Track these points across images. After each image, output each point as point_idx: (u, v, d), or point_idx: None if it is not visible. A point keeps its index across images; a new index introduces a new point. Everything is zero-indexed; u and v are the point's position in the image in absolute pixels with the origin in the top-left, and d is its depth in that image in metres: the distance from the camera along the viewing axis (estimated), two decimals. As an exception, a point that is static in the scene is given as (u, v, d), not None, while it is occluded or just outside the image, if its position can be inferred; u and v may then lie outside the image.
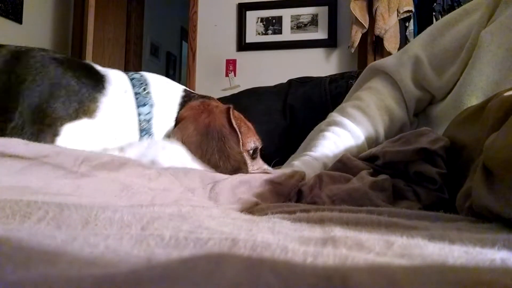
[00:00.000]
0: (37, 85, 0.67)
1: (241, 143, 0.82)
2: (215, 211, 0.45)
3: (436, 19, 2.76)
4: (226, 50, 3.38)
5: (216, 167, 0.76)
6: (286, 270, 0.16)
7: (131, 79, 0.80)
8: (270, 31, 3.33)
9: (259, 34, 3.35)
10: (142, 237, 0.26)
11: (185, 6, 3.58)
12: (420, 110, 1.05)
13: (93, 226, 0.29)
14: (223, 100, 1.54)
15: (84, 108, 0.70)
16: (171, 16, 5.24)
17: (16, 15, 3.00)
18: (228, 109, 0.84)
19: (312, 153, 0.94)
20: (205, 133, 0.78)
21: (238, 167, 0.78)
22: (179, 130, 0.77)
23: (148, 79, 0.82)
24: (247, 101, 1.40)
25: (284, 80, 1.47)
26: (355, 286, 0.15)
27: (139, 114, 0.77)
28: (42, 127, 0.66)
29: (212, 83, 3.26)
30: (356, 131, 0.97)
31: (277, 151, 1.16)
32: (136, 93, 0.78)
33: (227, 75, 3.31)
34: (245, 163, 0.81)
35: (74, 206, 0.32)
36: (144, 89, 0.79)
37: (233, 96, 1.53)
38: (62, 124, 0.67)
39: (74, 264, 0.19)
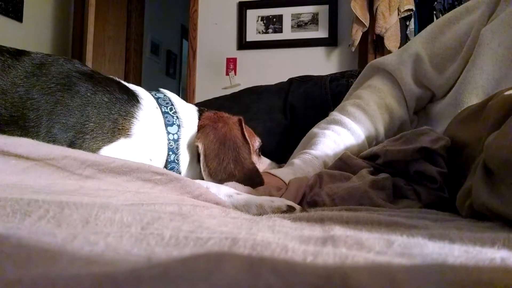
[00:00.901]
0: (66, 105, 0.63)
1: (252, 152, 0.84)
2: (216, 210, 0.45)
3: (437, 18, 2.76)
4: (226, 48, 3.38)
5: (232, 176, 0.77)
6: (286, 270, 0.16)
7: (157, 99, 0.79)
8: (270, 30, 3.33)
9: (259, 32, 3.35)
10: (142, 236, 0.26)
11: (185, 4, 3.58)
12: (420, 108, 1.06)
13: (93, 225, 0.29)
14: (224, 98, 1.54)
15: (119, 126, 0.68)
16: (172, 15, 5.24)
17: (16, 14, 3.00)
18: (240, 120, 0.87)
19: (312, 151, 0.94)
20: (223, 142, 0.80)
21: (251, 176, 0.80)
22: (202, 136, 0.78)
23: (171, 99, 0.82)
24: (248, 100, 1.40)
25: (285, 79, 1.47)
26: (355, 285, 0.15)
27: (168, 133, 0.77)
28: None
29: (213, 82, 3.26)
30: (356, 129, 0.97)
31: (277, 149, 1.16)
32: (164, 112, 0.78)
33: (227, 73, 3.30)
34: (257, 172, 0.82)
35: (75, 205, 0.32)
36: (171, 109, 0.79)
37: (234, 94, 1.53)
38: (99, 148, 0.65)
39: (74, 262, 0.19)
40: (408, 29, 2.89)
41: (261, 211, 0.59)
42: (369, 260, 0.22)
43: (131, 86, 0.77)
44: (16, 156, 0.42)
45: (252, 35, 3.35)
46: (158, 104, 0.78)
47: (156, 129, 0.75)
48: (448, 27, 0.99)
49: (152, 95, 0.80)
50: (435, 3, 2.80)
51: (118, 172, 0.49)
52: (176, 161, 0.78)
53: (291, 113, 1.32)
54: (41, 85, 0.63)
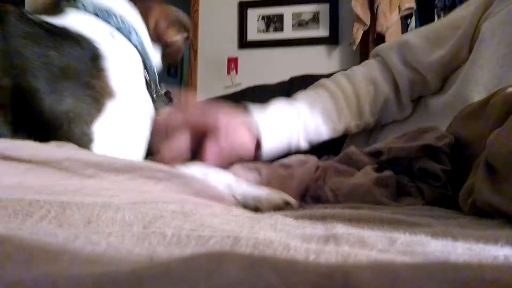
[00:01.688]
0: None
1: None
2: (218, 209, 0.45)
3: (438, 16, 2.76)
4: (227, 48, 3.38)
5: None
6: (287, 268, 0.16)
7: (96, 14, 0.68)
8: (271, 29, 3.33)
9: (260, 31, 3.35)
10: (144, 235, 0.26)
11: (186, 4, 3.58)
12: (417, 95, 1.07)
13: (95, 225, 0.30)
14: (225, 97, 1.54)
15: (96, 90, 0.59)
16: (173, 14, 5.24)
17: (17, 15, 3.01)
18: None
19: (290, 100, 0.99)
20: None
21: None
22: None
23: (101, 5, 0.70)
24: (249, 98, 1.40)
25: (286, 78, 1.47)
26: (357, 283, 0.15)
27: (136, 47, 0.71)
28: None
29: (214, 81, 3.26)
30: (336, 92, 1.03)
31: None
32: (118, 28, 0.69)
33: (228, 73, 3.30)
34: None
35: (76, 205, 0.32)
36: (115, 16, 0.70)
37: (235, 93, 1.53)
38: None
39: (75, 262, 0.19)
40: (409, 28, 2.89)
41: (257, 204, 0.58)
42: (371, 258, 0.22)
43: (63, 22, 0.62)
44: (18, 160, 0.42)
45: (253, 34, 3.35)
46: (105, 23, 0.68)
47: (128, 56, 0.69)
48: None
49: (88, 15, 0.67)
50: (436, 1, 2.79)
51: (121, 171, 0.49)
52: (148, 59, 0.75)
53: (292, 112, 1.32)
54: None
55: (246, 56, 3.33)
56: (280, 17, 3.29)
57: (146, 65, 0.74)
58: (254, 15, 3.34)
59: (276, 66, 3.17)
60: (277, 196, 0.60)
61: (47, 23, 0.61)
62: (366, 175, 0.71)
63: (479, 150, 0.56)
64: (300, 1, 3.25)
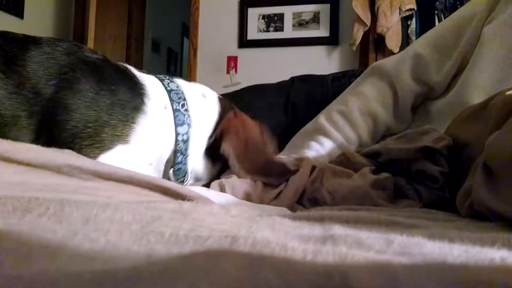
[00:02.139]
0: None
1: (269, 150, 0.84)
2: (216, 208, 0.45)
3: (438, 18, 2.76)
4: (227, 47, 3.37)
5: (267, 176, 0.77)
6: (286, 267, 0.16)
7: (169, 92, 0.73)
8: (271, 28, 3.32)
9: (260, 31, 3.34)
10: (142, 234, 0.27)
11: (186, 2, 3.57)
12: (419, 104, 1.06)
13: (93, 224, 0.30)
14: (225, 96, 1.54)
15: (117, 133, 0.63)
16: (173, 13, 5.23)
17: (17, 10, 3.00)
18: (260, 125, 0.86)
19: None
20: (245, 147, 0.77)
21: (283, 171, 0.78)
22: (227, 143, 0.76)
23: (184, 92, 0.75)
24: (249, 98, 1.40)
25: (285, 78, 1.46)
26: (355, 283, 0.15)
27: (177, 134, 0.71)
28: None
29: (213, 80, 3.26)
30: (338, 138, 1.03)
31: (278, 148, 1.16)
32: (175, 110, 0.71)
33: (228, 72, 3.30)
34: (287, 166, 0.80)
35: (75, 204, 0.32)
36: (183, 106, 0.73)
37: (235, 92, 1.52)
38: (95, 156, 0.60)
39: (74, 259, 0.19)
40: (409, 29, 2.88)
41: None
42: (369, 258, 0.22)
43: (142, 79, 0.70)
44: (17, 162, 0.42)
45: (253, 34, 3.35)
46: (170, 99, 0.72)
47: (162, 131, 0.70)
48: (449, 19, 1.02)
49: (164, 86, 0.73)
50: (437, 2, 2.79)
51: (119, 182, 0.49)
52: (184, 162, 0.74)
53: (292, 111, 1.32)
54: (46, 78, 0.58)
55: (246, 55, 3.33)
56: (280, 17, 3.29)
57: (176, 158, 0.73)
58: (254, 14, 3.34)
59: (276, 65, 3.16)
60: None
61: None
62: (363, 177, 0.71)
63: (477, 153, 0.56)
64: (300, 1, 3.25)
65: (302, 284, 0.15)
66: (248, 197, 0.69)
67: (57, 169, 0.44)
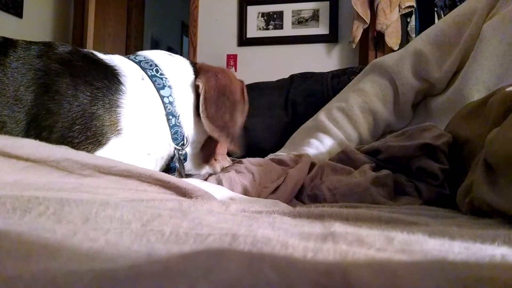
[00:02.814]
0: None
1: (245, 114, 0.83)
2: (216, 206, 0.45)
3: (438, 15, 2.75)
4: (227, 45, 3.37)
5: (226, 127, 0.75)
6: (286, 266, 0.16)
7: (139, 63, 0.73)
8: (271, 26, 3.32)
9: (260, 29, 3.34)
10: (142, 233, 0.26)
11: (185, 1, 3.57)
12: (419, 101, 1.06)
13: (93, 222, 0.29)
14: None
15: (106, 122, 0.63)
16: (172, 11, 5.23)
17: (16, 10, 3.00)
18: (242, 82, 0.86)
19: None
20: (222, 91, 0.77)
21: (234, 138, 0.78)
22: (204, 78, 0.75)
23: (153, 59, 0.76)
24: (248, 96, 1.40)
25: (285, 76, 1.46)
26: (355, 281, 0.15)
27: (162, 97, 0.71)
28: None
29: (213, 78, 3.26)
30: (338, 135, 1.03)
31: (278, 146, 1.16)
32: (151, 76, 0.72)
33: (228, 70, 3.30)
34: (237, 138, 0.80)
35: (75, 202, 0.31)
36: (157, 71, 0.73)
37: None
38: (91, 151, 0.61)
39: (74, 258, 0.19)
40: (409, 26, 2.88)
41: None
42: (369, 256, 0.22)
43: (108, 60, 0.70)
44: (17, 157, 0.42)
45: (252, 32, 3.35)
46: (142, 69, 0.72)
47: (148, 102, 0.70)
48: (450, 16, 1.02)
49: (133, 61, 0.73)
50: (436, 0, 2.79)
51: (118, 176, 0.49)
52: (178, 124, 0.73)
53: (292, 109, 1.32)
54: (25, 84, 0.59)
55: (246, 54, 3.33)
56: (280, 15, 3.29)
57: (169, 121, 0.73)
58: (254, 12, 3.34)
59: (276, 63, 3.16)
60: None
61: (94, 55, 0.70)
62: (363, 174, 0.71)
63: (478, 149, 0.56)
64: (300, -1, 3.26)
65: (303, 282, 0.15)
66: (245, 192, 0.69)
67: (56, 164, 0.44)
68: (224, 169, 0.81)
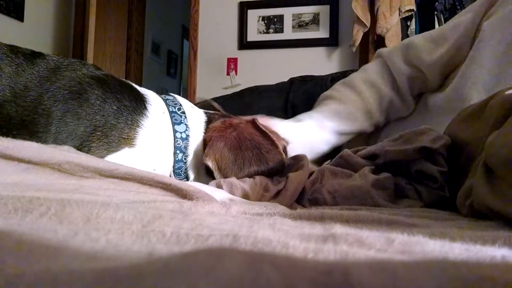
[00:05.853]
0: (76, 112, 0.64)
1: (276, 143, 0.80)
2: (217, 207, 0.45)
3: (438, 18, 2.76)
4: (227, 48, 3.37)
5: (259, 173, 0.76)
6: (287, 265, 0.16)
7: (165, 100, 0.80)
8: (271, 30, 3.33)
9: (260, 32, 3.35)
10: (143, 233, 0.27)
11: (186, 4, 3.58)
12: (417, 91, 1.08)
13: (94, 223, 0.30)
14: (225, 97, 1.54)
15: (124, 135, 0.68)
16: (173, 15, 5.24)
17: (17, 13, 3.00)
18: (253, 119, 0.84)
19: (315, 111, 1.04)
20: (238, 146, 0.76)
21: (278, 169, 0.77)
22: (211, 150, 0.75)
23: (180, 100, 0.82)
24: (249, 99, 1.41)
25: (285, 79, 1.47)
26: (356, 280, 0.15)
27: (175, 132, 0.76)
28: None
29: (213, 82, 3.26)
30: (345, 101, 1.06)
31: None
32: (171, 112, 0.78)
33: (228, 73, 3.30)
34: (285, 162, 0.79)
35: (76, 203, 0.32)
36: (179, 109, 0.79)
37: (235, 93, 1.53)
38: (103, 156, 0.65)
39: (75, 258, 0.19)
40: (409, 30, 2.89)
41: None
42: (370, 257, 0.22)
43: (142, 91, 0.77)
44: (18, 159, 0.42)
45: (253, 35, 3.35)
46: (166, 105, 0.78)
47: (162, 132, 0.75)
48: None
49: (161, 97, 0.80)
50: (436, 3, 2.79)
51: (120, 178, 0.49)
52: (183, 160, 0.77)
53: (292, 112, 1.32)
54: (53, 92, 0.63)
55: (246, 57, 3.33)
56: (280, 18, 3.29)
57: (176, 155, 0.77)
58: (254, 16, 3.34)
59: (276, 67, 3.17)
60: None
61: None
62: (364, 177, 0.71)
63: (478, 152, 0.57)
64: (300, 2, 3.25)
65: (303, 282, 0.15)
66: (246, 196, 0.69)
67: (58, 167, 0.44)
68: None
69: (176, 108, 0.79)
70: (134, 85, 0.77)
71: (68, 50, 3.45)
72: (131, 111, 0.70)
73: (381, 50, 1.13)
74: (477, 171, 0.50)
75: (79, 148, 0.63)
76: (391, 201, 0.68)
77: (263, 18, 3.34)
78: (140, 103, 0.73)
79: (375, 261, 0.20)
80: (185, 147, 0.77)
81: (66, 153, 0.47)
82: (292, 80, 1.43)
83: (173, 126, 0.76)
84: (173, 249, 0.24)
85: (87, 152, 0.63)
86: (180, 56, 5.70)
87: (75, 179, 0.46)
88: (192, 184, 0.58)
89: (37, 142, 0.58)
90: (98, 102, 0.66)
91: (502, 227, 0.41)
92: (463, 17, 0.98)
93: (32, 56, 0.66)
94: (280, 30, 3.31)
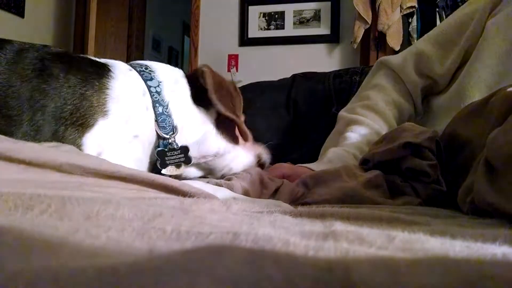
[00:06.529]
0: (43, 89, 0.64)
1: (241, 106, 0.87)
2: (217, 205, 0.45)
3: (439, 15, 2.75)
4: (228, 45, 3.37)
5: (234, 110, 0.81)
6: (288, 262, 0.16)
7: (129, 64, 0.79)
8: (272, 26, 3.32)
9: (261, 29, 3.34)
10: (143, 230, 0.27)
11: (187, 1, 3.57)
12: (422, 98, 1.07)
13: (95, 220, 0.30)
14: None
15: (94, 102, 0.68)
16: (173, 11, 5.23)
17: (18, 9, 3.00)
18: (233, 82, 0.91)
19: (341, 147, 0.97)
20: (221, 85, 0.82)
21: (242, 121, 0.84)
22: (206, 77, 0.79)
23: (146, 63, 0.82)
24: (251, 95, 1.40)
25: (286, 76, 1.47)
26: (357, 277, 0.15)
27: (149, 87, 0.75)
28: (64, 134, 0.63)
29: (214, 78, 3.25)
30: (373, 125, 1.01)
31: (280, 145, 1.16)
32: (139, 71, 0.77)
33: (229, 70, 3.30)
34: (241, 121, 0.84)
35: (77, 200, 0.32)
36: (146, 68, 0.79)
37: (237, 90, 1.53)
38: (81, 137, 0.65)
39: (76, 255, 0.19)
40: (410, 26, 2.88)
41: None
42: (370, 254, 0.22)
43: (103, 60, 0.77)
44: (18, 161, 0.42)
45: (254, 32, 3.35)
46: (131, 66, 0.78)
47: (133, 90, 0.74)
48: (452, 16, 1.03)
49: (124, 63, 0.80)
50: (438, 0, 2.78)
51: (121, 180, 0.49)
52: (165, 112, 0.76)
53: (294, 109, 1.32)
54: (19, 72, 0.64)
55: (247, 54, 3.32)
56: (281, 15, 3.29)
57: (156, 108, 0.76)
58: (255, 12, 3.33)
59: (277, 63, 3.16)
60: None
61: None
62: (354, 177, 0.71)
63: (479, 149, 0.56)
64: (301, -1, 3.26)
65: (304, 279, 0.15)
66: (246, 193, 0.69)
67: (59, 168, 0.44)
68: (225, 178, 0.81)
69: (143, 67, 0.79)
70: (93, 57, 0.77)
71: (68, 46, 3.45)
72: (95, 76, 0.70)
73: (388, 61, 1.09)
74: (478, 168, 0.50)
75: (55, 128, 0.63)
76: (387, 197, 0.68)
77: (264, 15, 3.33)
78: (103, 68, 0.73)
79: (376, 258, 0.20)
80: (163, 99, 0.76)
81: (66, 155, 0.47)
82: (294, 77, 1.42)
83: (145, 82, 0.76)
84: (173, 246, 0.24)
85: (64, 133, 0.63)
86: (181, 52, 5.70)
87: (76, 177, 0.46)
88: (194, 185, 0.58)
89: (13, 125, 0.61)
90: (61, 75, 0.66)
91: (503, 224, 0.41)
92: (464, 14, 0.97)
93: (1, 42, 0.67)
94: (281, 26, 3.30)
